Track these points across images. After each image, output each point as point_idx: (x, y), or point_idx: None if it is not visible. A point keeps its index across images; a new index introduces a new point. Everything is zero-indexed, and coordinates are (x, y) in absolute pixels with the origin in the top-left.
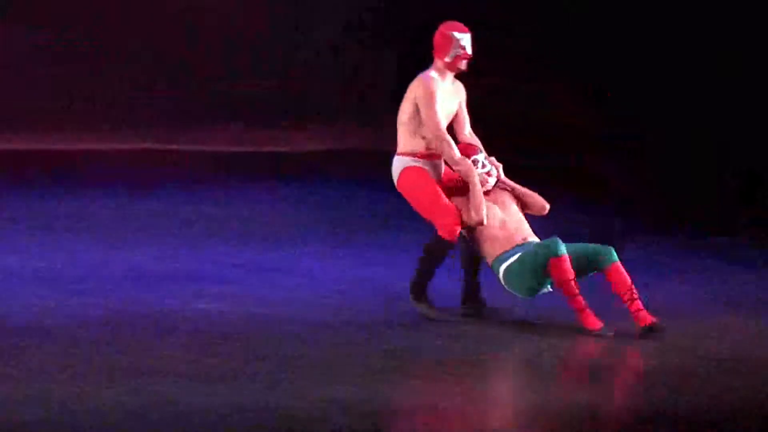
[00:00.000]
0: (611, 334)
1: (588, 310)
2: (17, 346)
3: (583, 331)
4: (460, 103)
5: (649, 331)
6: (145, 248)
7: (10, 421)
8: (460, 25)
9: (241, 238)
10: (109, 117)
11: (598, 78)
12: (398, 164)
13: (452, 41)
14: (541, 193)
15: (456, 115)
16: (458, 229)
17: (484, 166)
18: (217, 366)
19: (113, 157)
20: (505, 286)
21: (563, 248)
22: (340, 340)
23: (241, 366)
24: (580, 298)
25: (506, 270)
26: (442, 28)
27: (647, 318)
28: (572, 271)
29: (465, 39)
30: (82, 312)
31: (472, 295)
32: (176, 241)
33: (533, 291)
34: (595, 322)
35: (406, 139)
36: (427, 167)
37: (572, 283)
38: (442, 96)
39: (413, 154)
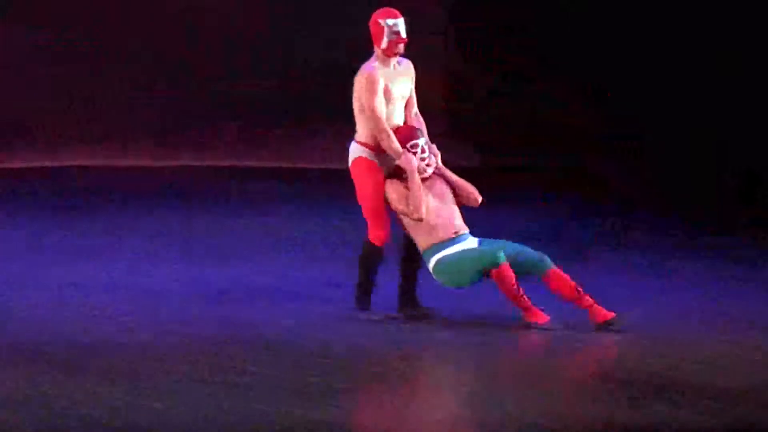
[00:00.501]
0: (560, 326)
1: (533, 308)
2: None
3: (533, 326)
4: (411, 81)
5: (608, 326)
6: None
7: (10, 421)
8: (391, 10)
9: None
10: (110, 117)
11: (597, 78)
12: (353, 150)
13: (383, 28)
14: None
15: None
16: (387, 239)
17: (423, 151)
18: (223, 369)
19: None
20: (434, 276)
21: (503, 256)
22: (342, 345)
23: (248, 369)
24: (524, 298)
25: (439, 262)
26: (374, 16)
27: (602, 314)
28: (513, 275)
29: (396, 23)
30: (89, 313)
31: (410, 300)
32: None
33: (462, 286)
34: (541, 317)
35: (361, 128)
36: (377, 160)
37: (515, 287)
38: (391, 82)
39: (367, 145)
